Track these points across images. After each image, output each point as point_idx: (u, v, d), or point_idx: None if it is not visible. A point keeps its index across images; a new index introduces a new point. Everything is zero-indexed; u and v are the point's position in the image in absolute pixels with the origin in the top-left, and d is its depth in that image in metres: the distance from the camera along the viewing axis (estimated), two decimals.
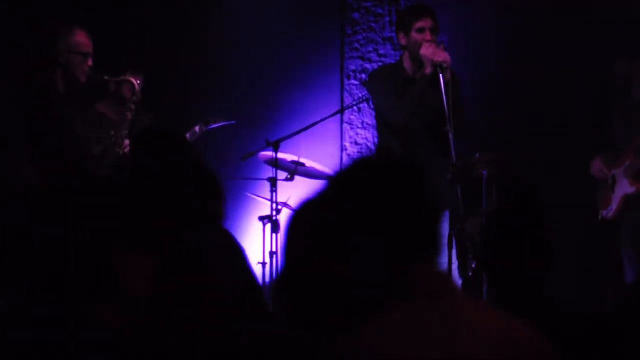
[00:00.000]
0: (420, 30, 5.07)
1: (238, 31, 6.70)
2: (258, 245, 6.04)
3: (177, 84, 6.51)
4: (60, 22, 5.25)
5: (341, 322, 1.67)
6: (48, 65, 5.11)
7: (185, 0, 6.68)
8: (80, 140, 5.12)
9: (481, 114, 6.15)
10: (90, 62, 5.13)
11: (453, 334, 1.61)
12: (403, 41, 5.17)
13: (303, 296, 2.13)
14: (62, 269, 1.95)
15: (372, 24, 6.81)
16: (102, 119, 5.30)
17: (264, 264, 6.01)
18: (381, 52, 6.78)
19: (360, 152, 6.72)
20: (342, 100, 6.79)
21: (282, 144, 5.79)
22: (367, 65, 6.75)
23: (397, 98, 5.08)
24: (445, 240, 4.70)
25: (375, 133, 6.69)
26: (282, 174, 5.93)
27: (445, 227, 4.79)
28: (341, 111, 6.62)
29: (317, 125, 5.95)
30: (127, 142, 5.22)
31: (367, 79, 5.85)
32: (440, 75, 4.90)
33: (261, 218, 5.98)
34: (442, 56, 4.93)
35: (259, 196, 6.15)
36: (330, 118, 6.09)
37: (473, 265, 4.87)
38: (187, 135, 5.54)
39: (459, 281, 4.92)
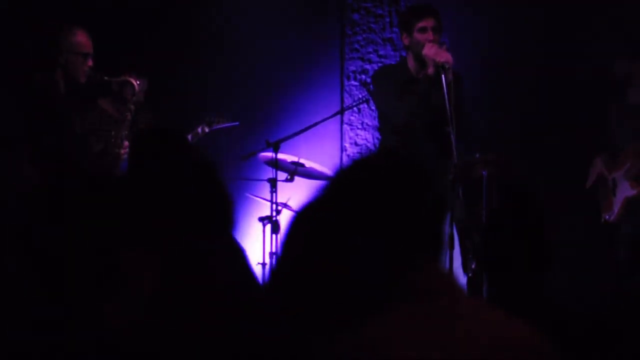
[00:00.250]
0: (423, 30, 5.06)
1: (239, 32, 6.70)
2: (258, 246, 6.04)
3: (177, 85, 6.51)
4: (60, 22, 5.25)
5: (341, 323, 1.67)
6: (48, 65, 5.11)
7: (185, 1, 6.68)
8: (80, 140, 5.12)
9: (481, 114, 6.15)
10: (90, 63, 5.13)
11: (453, 334, 1.61)
12: (406, 41, 5.16)
13: (303, 296, 2.13)
14: (64, 269, 1.95)
15: (372, 25, 6.81)
16: (103, 118, 5.30)
17: (264, 264, 6.01)
18: (381, 53, 6.78)
19: (361, 153, 6.72)
20: (342, 101, 6.79)
21: (282, 145, 5.80)
22: (367, 66, 6.75)
23: (400, 98, 5.07)
24: (446, 241, 4.70)
25: (375, 134, 6.69)
26: (282, 175, 5.93)
27: (446, 228, 4.79)
28: (341, 112, 6.62)
29: (317, 126, 5.95)
30: (126, 143, 5.22)
31: (370, 78, 5.84)
32: (443, 75, 4.89)
33: (261, 219, 5.98)
34: (444, 57, 4.92)
35: (259, 197, 6.15)
36: (331, 119, 6.09)
37: (473, 266, 4.87)
38: (190, 136, 5.54)
39: (462, 280, 4.91)
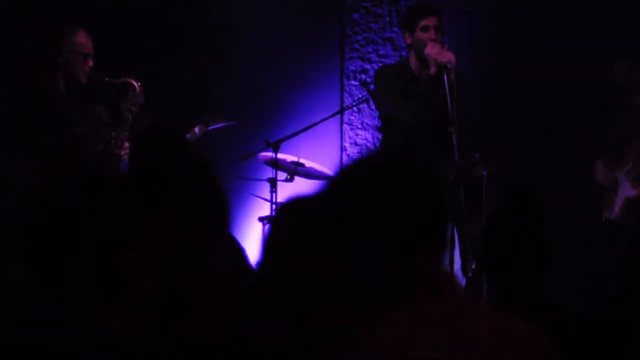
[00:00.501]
0: (425, 28, 5.05)
1: (238, 32, 6.70)
2: (258, 246, 6.02)
3: (177, 85, 6.51)
4: (61, 22, 5.25)
5: (341, 323, 1.67)
6: (49, 65, 5.11)
7: (185, 1, 6.68)
8: (81, 141, 5.12)
9: (481, 114, 6.15)
10: (90, 63, 5.13)
11: (454, 334, 1.61)
12: (408, 40, 5.15)
13: (303, 296, 2.13)
14: (65, 269, 1.95)
15: (372, 25, 6.81)
16: (101, 121, 5.30)
17: None
18: (381, 52, 6.78)
19: (361, 153, 6.71)
20: (342, 101, 6.79)
21: (282, 145, 5.79)
22: (367, 66, 6.74)
23: (402, 98, 5.06)
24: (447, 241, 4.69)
25: (375, 133, 6.69)
26: (282, 175, 5.93)
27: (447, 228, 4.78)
28: (341, 112, 6.62)
29: (317, 126, 5.95)
30: (127, 144, 5.22)
31: (372, 77, 5.83)
32: (445, 75, 4.88)
33: (261, 219, 5.98)
34: (447, 57, 4.91)
35: (259, 197, 6.15)
36: (330, 119, 6.09)
37: (473, 266, 4.87)
38: (187, 136, 5.54)
39: (461, 282, 4.91)
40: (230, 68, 6.67)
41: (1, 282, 2.03)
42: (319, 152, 6.46)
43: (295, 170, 5.88)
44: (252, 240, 6.19)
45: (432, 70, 4.96)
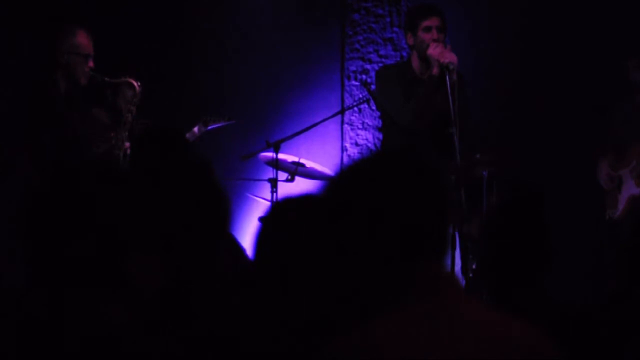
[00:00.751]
0: (427, 29, 5.04)
1: (239, 32, 6.70)
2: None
3: (177, 85, 6.51)
4: (61, 23, 5.26)
5: (342, 323, 1.67)
6: (49, 65, 5.11)
7: (185, 2, 6.68)
8: (81, 141, 5.12)
9: (481, 114, 6.15)
10: (91, 64, 5.13)
11: (454, 335, 1.60)
12: (410, 41, 5.14)
13: (303, 297, 2.13)
14: (65, 268, 1.95)
15: (373, 25, 6.81)
16: (100, 121, 5.30)
17: None
18: (382, 53, 6.78)
19: (361, 153, 6.71)
20: (342, 101, 6.79)
21: (282, 145, 5.79)
22: (368, 66, 6.74)
23: (404, 98, 5.06)
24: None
25: (376, 134, 6.69)
26: (282, 175, 5.93)
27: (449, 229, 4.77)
28: (342, 112, 6.62)
29: (318, 126, 5.94)
30: (127, 144, 5.22)
31: (373, 77, 5.82)
32: (447, 76, 4.88)
33: (261, 219, 5.97)
34: (449, 57, 4.90)
35: (260, 197, 6.15)
36: (331, 119, 6.09)
37: (473, 266, 4.87)
38: (187, 136, 5.54)
39: (461, 282, 4.91)
40: (231, 68, 6.67)
41: (2, 281, 2.03)
42: (320, 153, 6.46)
43: (295, 170, 5.88)
44: (252, 241, 6.18)
45: (435, 70, 4.96)
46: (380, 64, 6.59)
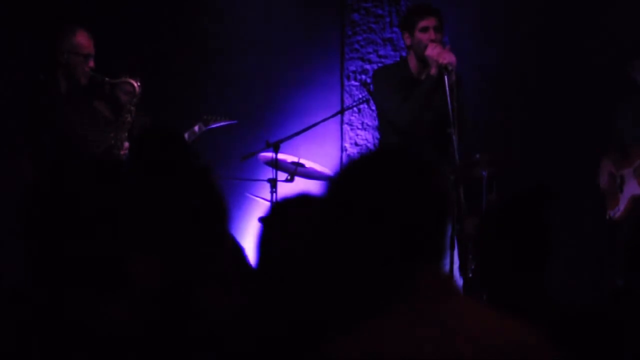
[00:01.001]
0: (425, 29, 5.04)
1: (238, 32, 6.70)
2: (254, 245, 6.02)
3: (176, 85, 6.51)
4: (62, 23, 5.25)
5: (340, 323, 1.67)
6: (49, 65, 5.11)
7: (185, 2, 6.68)
8: (81, 141, 5.12)
9: (481, 114, 6.15)
10: (91, 64, 5.13)
11: (452, 336, 1.60)
12: (408, 41, 5.14)
13: (303, 297, 2.13)
14: (65, 267, 1.95)
15: (373, 25, 6.81)
16: (101, 121, 5.30)
17: None
18: (381, 53, 6.78)
19: (360, 153, 6.71)
20: (342, 101, 6.79)
21: (282, 145, 5.79)
22: (367, 67, 6.74)
23: (402, 99, 5.05)
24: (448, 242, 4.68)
25: (375, 134, 6.69)
26: (282, 175, 5.93)
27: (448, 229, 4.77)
28: (341, 112, 6.62)
29: (318, 127, 5.95)
30: (126, 144, 5.22)
31: (371, 77, 5.82)
32: (446, 77, 4.87)
33: (261, 219, 5.96)
34: (448, 58, 4.90)
35: (259, 197, 6.15)
36: (331, 119, 6.09)
37: (472, 267, 4.87)
38: (186, 135, 5.53)
39: (459, 282, 4.91)
40: (231, 68, 6.67)
41: (1, 282, 2.03)
42: (319, 153, 6.46)
43: (295, 170, 5.88)
44: (252, 241, 6.19)
45: (433, 71, 4.95)
46: (380, 64, 6.59)
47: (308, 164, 5.90)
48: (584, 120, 6.17)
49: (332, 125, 6.56)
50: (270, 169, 5.94)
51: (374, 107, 6.49)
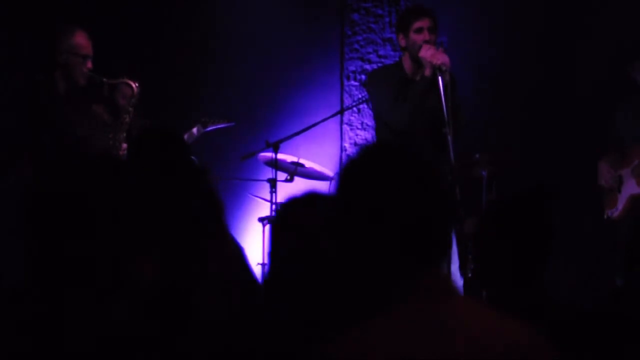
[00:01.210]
0: (419, 30, 5.06)
1: (238, 32, 6.70)
2: (258, 246, 6.04)
3: (176, 85, 6.51)
4: (60, 23, 5.25)
5: (340, 323, 1.67)
6: (48, 66, 5.11)
7: (184, 2, 6.68)
8: (80, 142, 5.12)
9: (481, 114, 6.15)
10: (89, 64, 5.12)
11: (451, 336, 1.60)
12: (402, 42, 5.16)
13: (304, 297, 2.13)
14: (65, 266, 1.95)
15: (372, 25, 6.81)
16: (99, 122, 5.29)
17: (263, 264, 6.01)
18: (381, 53, 6.78)
19: (363, 149, 6.69)
20: (342, 101, 6.79)
21: (282, 145, 5.80)
22: (367, 67, 6.75)
23: (397, 100, 5.06)
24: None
25: (375, 134, 6.69)
26: (282, 175, 5.94)
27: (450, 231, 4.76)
28: (341, 112, 6.62)
29: (317, 127, 5.95)
30: (124, 145, 5.21)
31: (366, 79, 5.83)
32: (440, 77, 4.89)
33: (261, 219, 5.98)
34: (441, 59, 4.91)
35: (259, 197, 6.15)
36: (330, 119, 6.09)
37: (472, 267, 4.87)
38: (185, 136, 5.53)
39: (459, 282, 4.91)
40: (230, 68, 6.67)
41: (2, 281, 2.03)
42: (319, 153, 6.46)
43: (295, 170, 5.89)
44: (252, 240, 6.19)
45: (427, 72, 4.97)
46: (379, 64, 6.59)
47: (308, 164, 5.90)
48: (583, 120, 6.17)
49: (332, 125, 6.56)
50: (270, 169, 5.94)
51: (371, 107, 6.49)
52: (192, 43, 6.62)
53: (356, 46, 6.82)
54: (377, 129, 5.39)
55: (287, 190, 5.89)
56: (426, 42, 5.01)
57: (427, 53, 4.96)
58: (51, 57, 5.09)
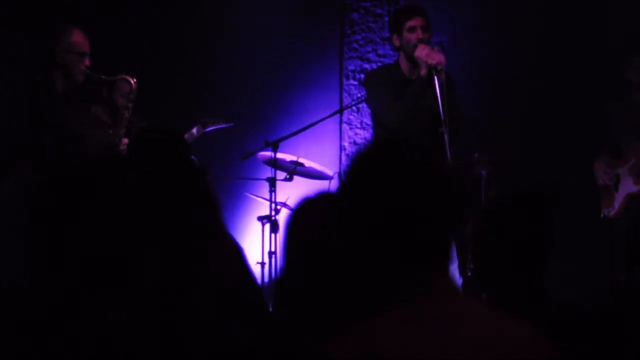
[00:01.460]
0: (412, 29, 5.06)
1: (237, 32, 6.70)
2: (257, 245, 6.04)
3: (176, 85, 6.51)
4: (57, 22, 5.25)
5: (341, 323, 1.67)
6: (46, 64, 5.11)
7: (184, 2, 6.68)
8: (80, 140, 5.12)
9: (481, 113, 6.15)
10: (87, 62, 5.12)
11: (453, 335, 1.61)
12: (397, 42, 5.17)
13: (306, 297, 2.13)
14: (68, 267, 1.95)
15: (371, 24, 6.81)
16: (99, 119, 5.30)
17: (263, 264, 6.01)
18: (380, 52, 6.78)
19: (369, 148, 6.69)
20: (341, 101, 6.79)
21: (281, 144, 5.80)
22: (366, 66, 6.75)
23: (393, 99, 5.07)
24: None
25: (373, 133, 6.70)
26: (281, 174, 5.94)
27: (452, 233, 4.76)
28: (340, 111, 6.62)
29: (316, 126, 5.95)
30: (125, 140, 5.22)
31: (364, 79, 5.84)
32: (436, 77, 4.89)
33: (260, 218, 5.98)
34: (437, 58, 4.92)
35: (258, 196, 6.15)
36: (330, 118, 6.09)
37: (471, 266, 4.87)
38: (185, 136, 5.53)
39: (459, 282, 4.91)
40: (230, 67, 6.67)
41: (2, 281, 2.03)
42: (318, 152, 6.47)
43: (294, 169, 5.89)
44: (251, 240, 6.20)
45: (423, 72, 4.97)
46: (379, 63, 6.59)
47: (307, 163, 5.90)
48: (583, 120, 6.17)
49: (331, 124, 6.56)
50: (269, 168, 5.94)
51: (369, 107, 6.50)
52: (192, 43, 6.62)
53: (355, 45, 6.82)
54: (375, 128, 5.40)
55: (287, 190, 5.90)
56: (420, 40, 5.01)
57: (422, 53, 4.97)
58: (49, 56, 5.10)
